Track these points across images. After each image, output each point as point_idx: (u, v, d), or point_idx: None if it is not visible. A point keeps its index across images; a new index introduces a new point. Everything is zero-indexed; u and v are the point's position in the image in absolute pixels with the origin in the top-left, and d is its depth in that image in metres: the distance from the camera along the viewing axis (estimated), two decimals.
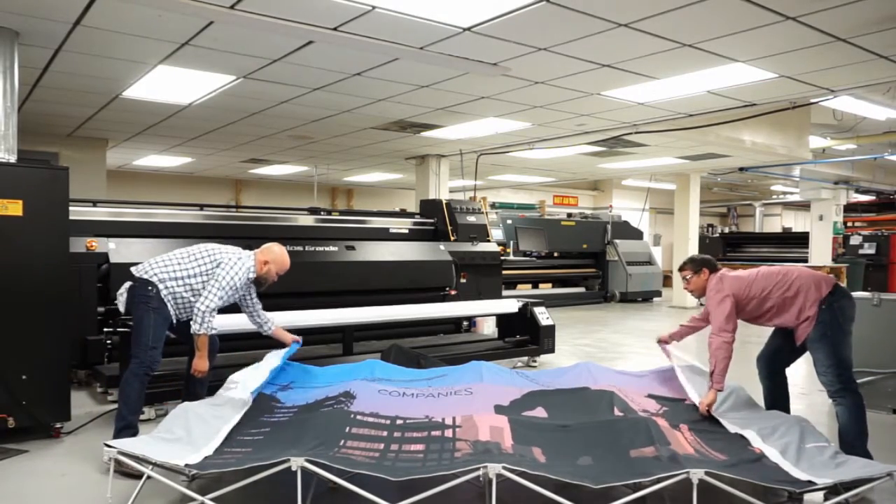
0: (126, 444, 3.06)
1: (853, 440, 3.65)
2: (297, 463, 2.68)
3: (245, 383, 3.77)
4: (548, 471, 2.70)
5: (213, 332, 3.98)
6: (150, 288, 3.91)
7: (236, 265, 4.01)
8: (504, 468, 2.58)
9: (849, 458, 3.27)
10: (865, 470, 3.01)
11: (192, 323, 3.90)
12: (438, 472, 2.74)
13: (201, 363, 3.93)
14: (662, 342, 4.67)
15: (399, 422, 3.31)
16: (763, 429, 3.48)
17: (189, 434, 3.20)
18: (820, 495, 3.40)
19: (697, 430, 3.44)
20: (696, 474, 2.65)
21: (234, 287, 3.99)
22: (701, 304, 17.44)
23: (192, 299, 3.99)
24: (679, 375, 4.22)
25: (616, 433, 3.12)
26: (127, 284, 4.01)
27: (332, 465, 2.74)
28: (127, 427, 3.78)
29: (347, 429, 3.13)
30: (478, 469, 2.62)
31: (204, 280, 4.00)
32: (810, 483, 2.90)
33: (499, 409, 3.48)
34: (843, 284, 15.75)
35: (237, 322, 4.85)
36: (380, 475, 2.70)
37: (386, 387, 3.87)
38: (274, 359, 4.18)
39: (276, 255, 4.23)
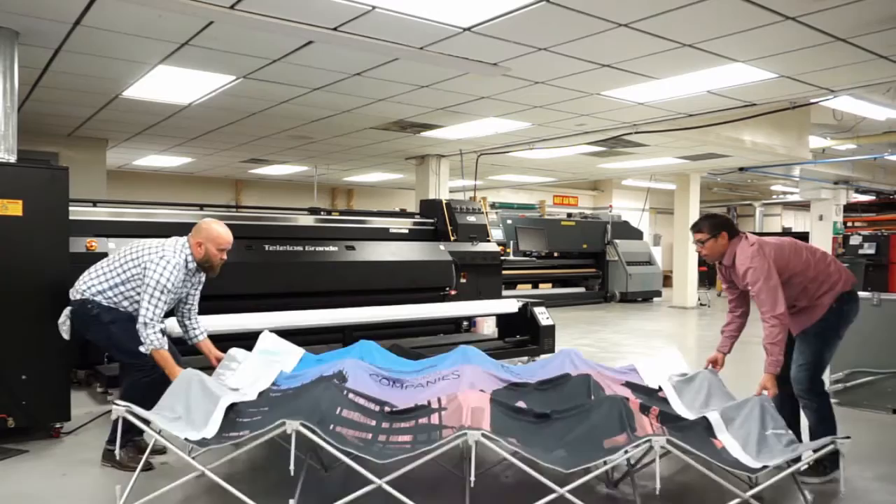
0: (134, 408, 3.05)
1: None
2: (292, 426, 2.74)
3: (245, 375, 3.67)
4: (523, 450, 2.81)
5: (164, 344, 3.65)
6: (89, 307, 3.68)
7: (161, 264, 3.63)
8: (483, 435, 2.70)
9: (803, 443, 3.24)
10: (813, 445, 3.06)
11: (140, 347, 3.60)
12: (424, 449, 2.84)
13: (173, 376, 3.57)
14: (716, 366, 3.93)
15: (387, 409, 3.31)
16: (727, 410, 3.32)
17: (189, 413, 3.19)
18: (821, 495, 3.41)
19: (664, 418, 3.38)
20: (658, 441, 2.74)
21: (168, 288, 3.63)
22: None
23: (134, 308, 3.69)
24: (667, 390, 3.78)
25: (591, 422, 3.10)
26: (67, 310, 3.77)
27: (325, 437, 2.79)
28: (128, 429, 3.68)
29: (338, 410, 3.14)
30: (458, 439, 2.73)
31: (136, 285, 3.68)
32: (765, 467, 2.96)
33: (483, 391, 3.48)
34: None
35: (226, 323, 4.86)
36: (368, 457, 2.77)
37: (378, 372, 3.85)
38: (272, 343, 4.00)
39: (207, 232, 3.79)
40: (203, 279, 3.97)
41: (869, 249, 15.62)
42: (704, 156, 11.37)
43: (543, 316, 6.89)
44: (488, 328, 8.06)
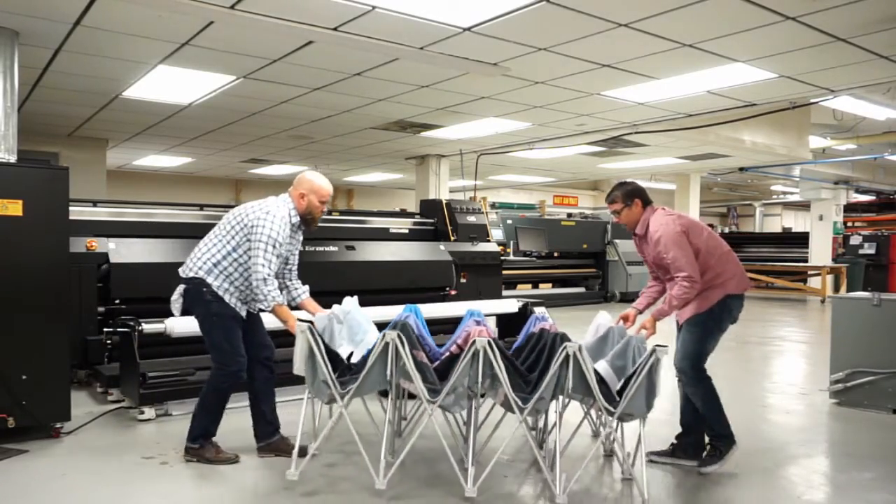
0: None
1: (714, 422, 3.61)
2: (391, 335, 3.09)
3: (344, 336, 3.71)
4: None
5: (283, 299, 3.67)
6: (204, 290, 3.62)
7: (268, 218, 3.58)
8: (488, 343, 3.04)
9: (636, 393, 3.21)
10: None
11: (260, 304, 3.62)
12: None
13: (293, 329, 3.56)
14: (626, 322, 3.75)
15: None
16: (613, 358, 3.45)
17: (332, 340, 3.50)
18: (822, 495, 3.41)
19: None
20: (573, 347, 3.02)
21: (280, 242, 3.58)
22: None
23: (247, 276, 3.65)
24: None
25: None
26: (180, 288, 3.72)
27: (409, 354, 3.10)
28: (206, 434, 3.69)
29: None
30: (470, 350, 3.05)
31: (246, 249, 3.62)
32: (624, 389, 3.20)
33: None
34: (843, 285, 15.72)
35: None
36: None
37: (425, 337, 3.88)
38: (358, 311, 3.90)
39: (310, 183, 3.74)
40: (301, 238, 3.92)
41: (869, 249, 15.61)
42: (704, 156, 11.37)
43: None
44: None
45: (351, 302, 3.80)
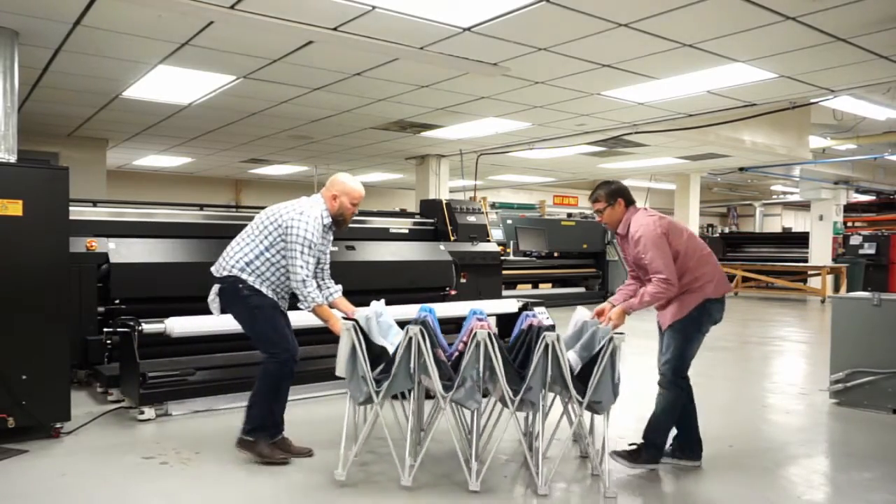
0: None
1: (656, 429, 3.63)
2: (413, 330, 3.27)
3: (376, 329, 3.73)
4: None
5: (323, 299, 3.72)
6: (240, 286, 3.63)
7: (303, 219, 3.61)
8: (488, 335, 3.26)
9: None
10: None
11: (299, 305, 3.65)
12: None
13: (337, 330, 3.58)
14: (601, 316, 3.73)
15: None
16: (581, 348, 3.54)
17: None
18: (822, 495, 3.42)
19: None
20: (551, 336, 3.21)
21: (314, 242, 3.62)
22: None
23: (280, 275, 3.68)
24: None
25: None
26: (215, 288, 3.73)
27: (429, 349, 3.27)
28: (261, 427, 3.67)
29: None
30: (473, 341, 3.25)
31: (279, 248, 3.64)
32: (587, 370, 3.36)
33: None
34: (843, 285, 15.72)
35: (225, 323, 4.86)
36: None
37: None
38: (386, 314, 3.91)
39: (343, 185, 3.77)
40: (332, 238, 3.93)
41: (869, 249, 15.62)
42: (704, 156, 11.37)
43: (543, 316, 6.88)
44: None
45: (380, 304, 3.86)
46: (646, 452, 3.62)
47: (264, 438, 3.67)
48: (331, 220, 3.79)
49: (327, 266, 3.96)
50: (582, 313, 3.75)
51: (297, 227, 3.60)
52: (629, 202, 3.74)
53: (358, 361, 3.37)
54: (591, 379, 3.25)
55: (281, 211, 3.71)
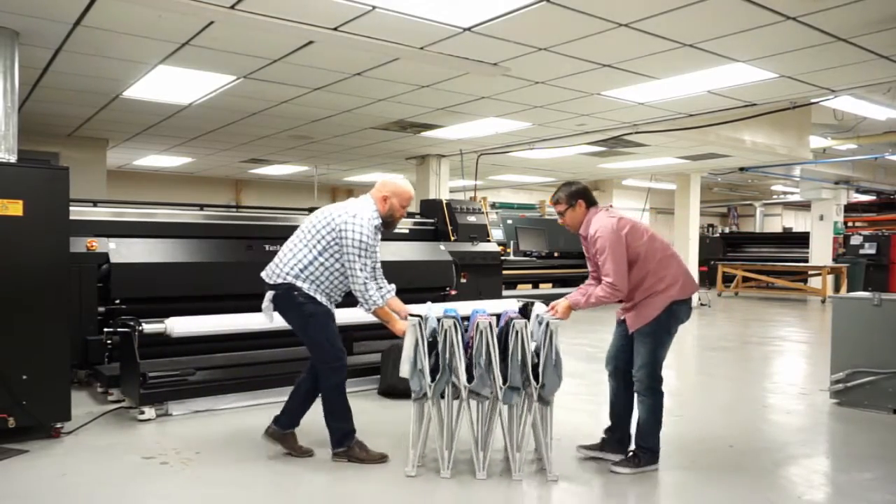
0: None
1: (648, 434, 3.65)
2: (447, 322, 3.51)
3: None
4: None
5: (382, 299, 3.75)
6: (295, 293, 3.65)
7: (357, 222, 3.63)
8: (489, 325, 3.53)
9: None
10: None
11: (359, 307, 3.70)
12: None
13: (398, 330, 3.71)
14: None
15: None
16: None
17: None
18: (822, 495, 3.42)
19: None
20: (519, 324, 3.47)
21: (369, 244, 3.66)
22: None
23: (334, 279, 3.70)
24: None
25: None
26: (269, 294, 3.74)
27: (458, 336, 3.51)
28: (346, 434, 3.72)
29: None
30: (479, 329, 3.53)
31: (333, 252, 3.65)
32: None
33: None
34: (844, 285, 15.71)
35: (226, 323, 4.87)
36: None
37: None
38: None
39: (394, 187, 3.80)
40: (380, 238, 3.91)
41: (869, 249, 15.63)
42: (704, 156, 11.37)
43: (540, 310, 6.87)
44: None
45: (429, 306, 4.01)
46: (643, 456, 3.64)
47: (356, 444, 3.73)
48: (381, 221, 3.78)
49: (378, 266, 3.97)
50: (539, 308, 3.89)
51: (351, 231, 3.62)
52: (590, 203, 3.76)
53: (419, 356, 3.52)
54: (540, 366, 3.47)
55: (333, 214, 3.72)
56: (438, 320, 3.61)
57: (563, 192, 3.76)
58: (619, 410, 3.82)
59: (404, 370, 3.56)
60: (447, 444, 3.58)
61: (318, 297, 3.69)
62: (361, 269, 3.62)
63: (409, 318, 3.60)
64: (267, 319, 3.80)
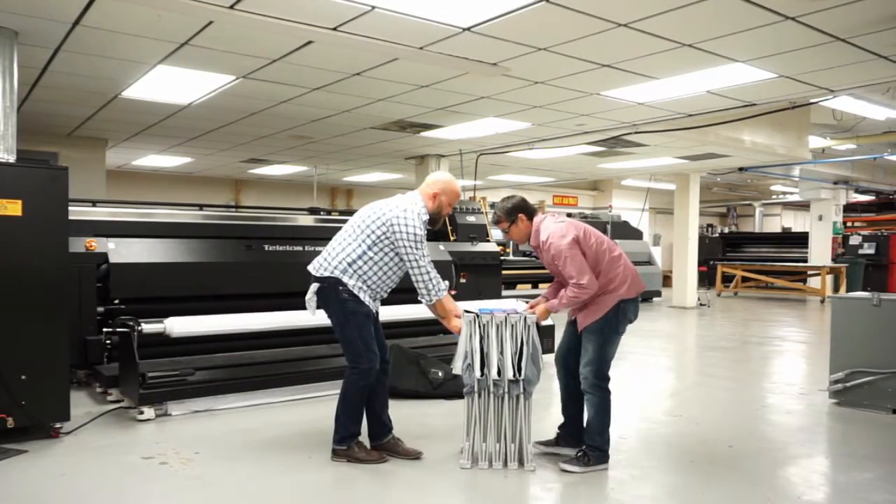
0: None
1: (596, 434, 3.69)
2: (468, 317, 3.66)
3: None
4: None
5: (445, 290, 3.74)
6: (340, 288, 3.63)
7: (408, 216, 3.61)
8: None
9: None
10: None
11: (420, 298, 3.69)
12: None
13: (454, 326, 3.71)
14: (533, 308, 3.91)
15: None
16: None
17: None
18: (822, 495, 3.42)
19: None
20: (532, 318, 3.68)
21: (422, 237, 3.62)
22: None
23: (382, 275, 3.69)
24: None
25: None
26: (313, 287, 3.72)
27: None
28: (352, 435, 3.72)
29: None
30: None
31: (382, 247, 3.64)
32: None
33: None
34: (843, 285, 15.70)
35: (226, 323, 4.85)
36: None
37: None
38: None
39: (444, 184, 3.78)
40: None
41: (869, 249, 15.65)
42: (704, 156, 11.37)
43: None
44: None
45: (476, 304, 4.17)
46: (592, 456, 3.66)
47: (357, 444, 3.72)
48: (427, 217, 3.75)
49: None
50: (520, 307, 4.00)
51: (404, 224, 3.60)
52: (530, 214, 3.79)
53: (473, 351, 3.60)
54: (522, 360, 3.60)
55: (383, 209, 3.70)
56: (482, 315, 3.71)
57: (500, 210, 3.82)
58: (572, 409, 3.88)
59: (457, 366, 3.63)
60: (481, 437, 3.68)
61: (362, 295, 3.67)
62: (421, 259, 3.60)
63: (465, 313, 3.63)
64: (309, 312, 3.77)
